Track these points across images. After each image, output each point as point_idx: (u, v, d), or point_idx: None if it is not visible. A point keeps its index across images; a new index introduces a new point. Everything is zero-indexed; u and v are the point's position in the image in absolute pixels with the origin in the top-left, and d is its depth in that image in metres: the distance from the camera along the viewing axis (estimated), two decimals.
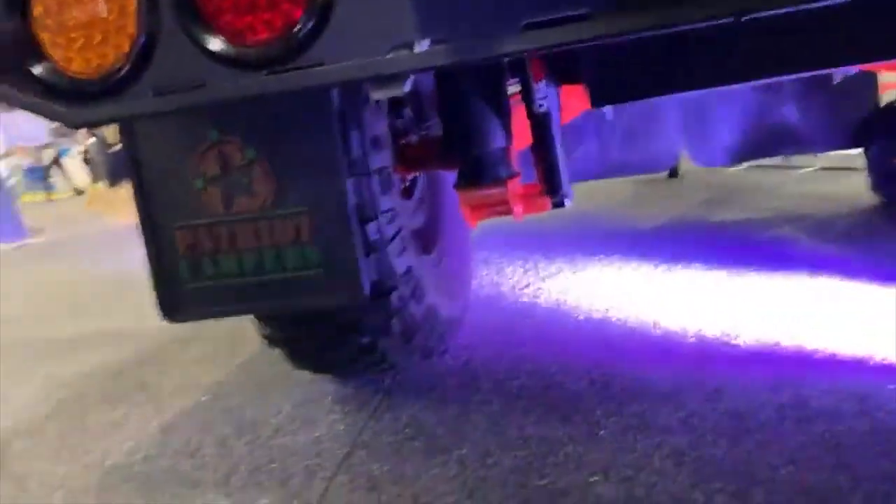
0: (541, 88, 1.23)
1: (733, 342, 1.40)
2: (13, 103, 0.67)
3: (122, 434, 1.41)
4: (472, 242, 1.86)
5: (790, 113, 2.63)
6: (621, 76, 1.16)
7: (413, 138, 1.53)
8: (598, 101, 1.21)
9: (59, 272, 3.65)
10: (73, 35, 0.65)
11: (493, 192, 1.31)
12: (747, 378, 1.23)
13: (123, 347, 2.03)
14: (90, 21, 0.64)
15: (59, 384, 1.78)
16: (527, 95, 1.24)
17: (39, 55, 0.66)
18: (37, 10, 0.66)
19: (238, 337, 1.89)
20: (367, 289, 1.01)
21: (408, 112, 1.52)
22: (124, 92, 0.65)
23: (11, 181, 9.09)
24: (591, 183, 3.28)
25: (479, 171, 1.31)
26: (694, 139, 2.65)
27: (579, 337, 1.56)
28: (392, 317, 1.22)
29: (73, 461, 1.32)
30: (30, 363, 2.00)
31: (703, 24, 0.54)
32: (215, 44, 0.63)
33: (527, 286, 2.06)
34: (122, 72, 0.64)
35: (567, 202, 1.38)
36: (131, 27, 0.64)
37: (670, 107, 2.54)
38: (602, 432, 1.12)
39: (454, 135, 1.31)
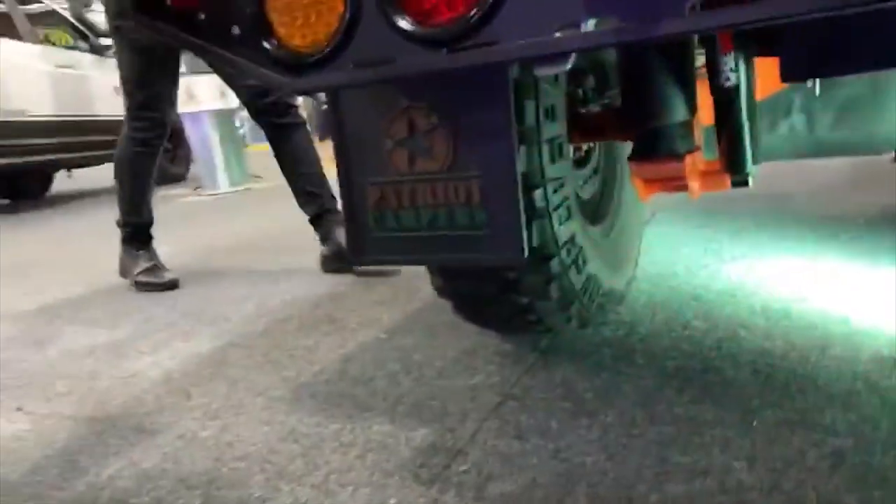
0: (728, 61, 1.18)
1: None
2: (246, 72, 0.82)
3: (312, 357, 1.64)
4: (646, 216, 1.83)
5: None
6: (821, 48, 1.07)
7: (593, 108, 1.54)
8: (788, 75, 1.13)
9: (272, 215, 4.17)
10: (295, 14, 0.78)
11: (668, 166, 1.29)
12: None
13: (320, 284, 2.31)
14: (309, 2, 0.76)
15: (267, 310, 2.08)
16: (712, 68, 1.20)
17: (269, 32, 0.80)
18: None
19: (415, 286, 2.07)
20: (526, 252, 1.07)
21: (590, 81, 1.53)
22: (331, 64, 0.77)
23: (241, 131, 10.36)
24: (801, 162, 3.01)
25: (654, 145, 1.30)
26: None
27: (751, 326, 1.49)
28: (550, 282, 1.27)
29: (274, 374, 1.56)
30: (246, 289, 2.36)
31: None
32: (405, 23, 0.72)
33: (704, 268, 1.98)
34: (330, 46, 0.76)
35: (750, 182, 1.32)
36: (340, 7, 0.75)
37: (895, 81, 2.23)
38: (756, 422, 1.09)
39: (632, 105, 1.31)
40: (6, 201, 7.39)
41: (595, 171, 1.67)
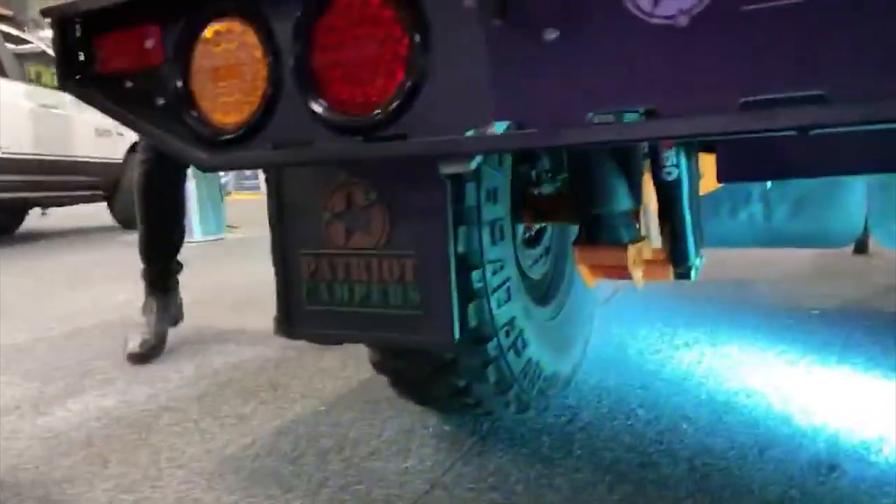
0: (669, 156, 1.20)
1: (870, 459, 1.23)
2: (162, 144, 0.80)
3: (245, 428, 1.57)
4: (598, 299, 1.82)
5: None
6: (755, 153, 1.09)
7: (546, 189, 1.55)
8: (723, 176, 1.14)
9: (239, 268, 4.11)
10: (218, 90, 0.77)
11: (610, 254, 1.29)
12: (872, 502, 1.08)
13: (269, 347, 2.24)
14: (231, 81, 0.76)
15: (209, 372, 2.01)
16: (653, 161, 1.21)
17: (192, 106, 0.79)
18: (196, 68, 0.79)
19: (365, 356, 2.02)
20: (457, 335, 1.05)
21: (544, 162, 1.54)
22: (250, 143, 0.75)
23: (224, 179, 10.35)
24: (764, 252, 3.06)
25: (597, 232, 1.30)
26: (880, 216, 2.35)
27: (694, 419, 1.46)
28: (488, 365, 1.24)
29: (201, 444, 1.49)
30: (192, 348, 2.28)
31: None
32: (322, 109, 0.71)
33: (657, 353, 1.96)
34: (250, 125, 0.75)
35: (693, 274, 1.32)
36: (261, 87, 0.74)
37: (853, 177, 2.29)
38: None
39: (578, 191, 1.32)
40: None
41: (547, 252, 1.66)
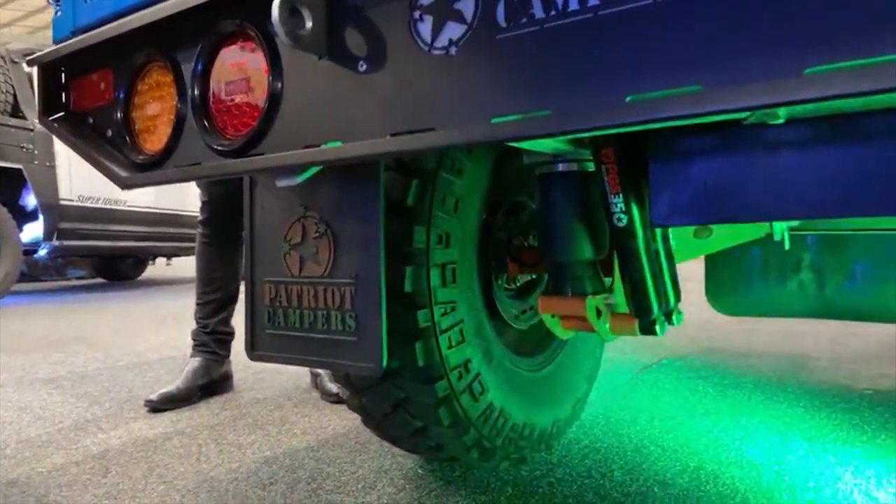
0: (618, 202, 1.20)
1: None
2: (99, 168, 0.94)
3: (238, 455, 1.66)
4: (598, 361, 1.77)
5: None
6: (693, 194, 1.06)
7: (531, 241, 1.57)
8: (659, 219, 1.11)
9: None
10: (145, 124, 0.90)
11: (569, 304, 1.29)
12: None
13: (298, 388, 2.35)
14: (153, 116, 0.89)
15: (233, 405, 2.14)
16: (605, 208, 1.22)
17: (128, 132, 0.92)
18: (136, 103, 0.93)
19: None
20: (383, 364, 1.09)
21: (527, 213, 1.58)
22: (162, 165, 0.87)
23: None
24: (840, 329, 2.86)
25: (561, 281, 1.31)
26: None
27: (670, 485, 1.38)
28: (440, 405, 1.26)
29: (195, 465, 1.59)
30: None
31: None
32: (208, 137, 0.82)
33: (669, 419, 1.87)
34: (162, 151, 0.87)
35: (659, 329, 1.28)
36: (170, 124, 0.86)
37: None
38: None
39: (541, 239, 1.34)
40: (103, 281, 8.12)
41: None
